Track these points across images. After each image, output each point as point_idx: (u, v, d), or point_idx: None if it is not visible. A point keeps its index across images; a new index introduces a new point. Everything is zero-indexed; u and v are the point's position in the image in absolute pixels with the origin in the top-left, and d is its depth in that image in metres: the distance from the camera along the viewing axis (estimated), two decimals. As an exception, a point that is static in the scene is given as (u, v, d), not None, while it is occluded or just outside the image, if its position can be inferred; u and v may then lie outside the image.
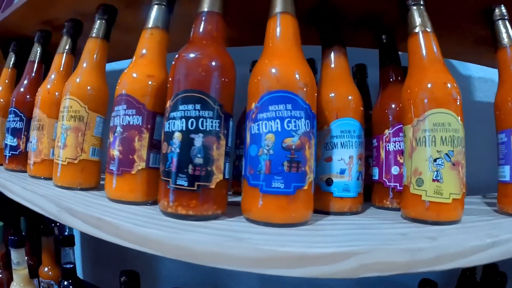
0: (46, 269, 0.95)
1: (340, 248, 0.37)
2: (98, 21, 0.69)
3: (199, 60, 0.49)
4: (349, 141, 0.55)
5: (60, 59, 0.75)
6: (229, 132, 0.50)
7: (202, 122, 0.47)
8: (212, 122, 0.47)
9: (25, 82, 0.84)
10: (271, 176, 0.45)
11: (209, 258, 0.37)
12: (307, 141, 0.46)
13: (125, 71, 0.59)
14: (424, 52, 0.54)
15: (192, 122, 0.47)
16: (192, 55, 0.50)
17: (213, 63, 0.49)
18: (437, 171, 0.49)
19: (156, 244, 0.39)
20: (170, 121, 0.49)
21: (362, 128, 0.58)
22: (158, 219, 0.46)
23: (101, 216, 0.45)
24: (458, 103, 0.51)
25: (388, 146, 0.62)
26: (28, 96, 0.80)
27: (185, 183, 0.46)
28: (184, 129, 0.47)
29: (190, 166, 0.47)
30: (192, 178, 0.46)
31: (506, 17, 0.63)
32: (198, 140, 0.47)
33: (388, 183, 0.62)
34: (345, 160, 0.55)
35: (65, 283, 0.88)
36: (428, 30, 0.55)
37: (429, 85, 0.51)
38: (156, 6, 0.61)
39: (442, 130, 0.49)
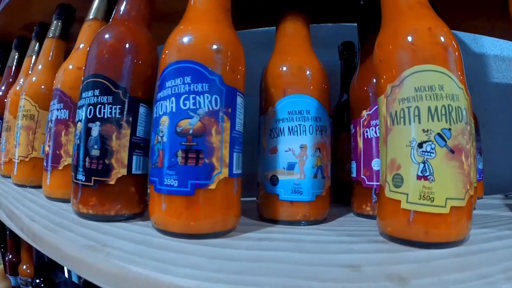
0: (24, 266, 0.90)
1: (201, 284, 0.22)
2: (55, 22, 0.63)
3: (104, 42, 0.39)
4: (300, 125, 0.37)
5: (29, 62, 0.71)
6: (138, 120, 0.38)
7: (100, 109, 0.36)
8: (111, 108, 0.36)
9: (3, 87, 0.82)
10: (163, 170, 0.31)
11: (74, 263, 0.29)
12: (214, 124, 0.31)
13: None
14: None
15: (90, 110, 0.37)
16: (99, 37, 0.39)
17: (118, 44, 0.38)
18: (424, 163, 0.29)
19: (39, 240, 0.34)
20: (78, 110, 0.39)
21: (323, 109, 0.39)
22: (63, 217, 0.38)
23: (14, 210, 0.42)
24: (453, 56, 0.31)
25: (367, 132, 0.41)
26: (5, 100, 0.77)
27: (83, 178, 0.36)
28: (83, 118, 0.37)
29: (87, 159, 0.36)
30: (88, 172, 0.36)
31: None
32: (95, 130, 0.36)
33: (367, 182, 0.42)
34: (294, 150, 0.37)
35: (37, 281, 0.85)
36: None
37: (406, 34, 0.32)
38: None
39: (431, 97, 0.30)
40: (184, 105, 0.31)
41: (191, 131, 0.30)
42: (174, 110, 0.31)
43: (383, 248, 0.29)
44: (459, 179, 0.29)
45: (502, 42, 0.88)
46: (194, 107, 0.31)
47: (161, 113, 0.32)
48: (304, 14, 0.44)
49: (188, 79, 0.31)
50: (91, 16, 0.51)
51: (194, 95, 0.31)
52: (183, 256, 0.26)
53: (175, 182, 0.30)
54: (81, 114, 0.37)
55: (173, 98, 0.31)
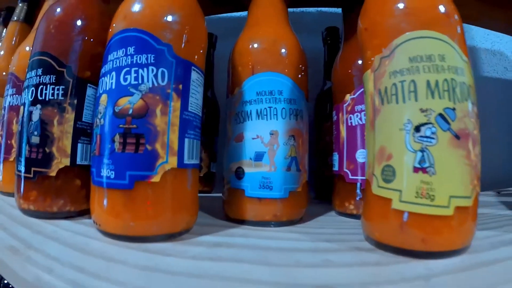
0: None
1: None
2: (20, 4, 0.52)
3: (51, 16, 0.30)
4: (270, 107, 0.28)
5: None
6: (85, 103, 0.29)
7: (42, 90, 0.28)
8: (54, 89, 0.28)
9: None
10: (100, 159, 0.23)
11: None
12: (159, 103, 0.23)
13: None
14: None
15: (32, 92, 0.28)
16: (48, 11, 0.31)
17: (65, 18, 0.30)
18: (422, 151, 0.20)
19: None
20: (22, 93, 0.31)
21: (299, 90, 0.30)
22: (5, 214, 0.30)
23: None
24: (456, 24, 0.23)
25: (350, 119, 0.32)
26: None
27: (23, 169, 0.28)
28: (25, 101, 0.29)
29: (27, 147, 0.28)
30: (28, 163, 0.28)
31: None
32: (36, 114, 0.28)
33: (351, 176, 0.33)
34: (263, 138, 0.28)
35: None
36: None
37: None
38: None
39: (430, 69, 0.21)
40: (125, 80, 0.23)
41: (130, 111, 0.22)
42: (113, 86, 0.23)
43: (368, 260, 0.21)
44: (466, 172, 0.20)
45: (493, 36, 0.79)
46: (136, 82, 0.22)
47: (101, 91, 0.24)
48: None
49: (131, 49, 0.23)
50: (52, -6, 0.43)
51: (136, 68, 0.23)
52: (111, 266, 0.19)
53: (112, 174, 0.22)
54: (24, 96, 0.29)
55: (113, 73, 0.23)
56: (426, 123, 0.20)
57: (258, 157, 0.28)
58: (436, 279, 0.18)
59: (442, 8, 0.22)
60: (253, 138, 0.28)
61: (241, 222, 0.29)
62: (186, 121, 0.23)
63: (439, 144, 0.20)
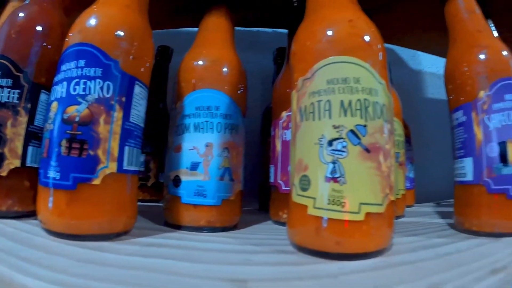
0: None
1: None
2: None
3: (13, 21, 0.33)
4: (207, 121, 0.31)
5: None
6: (38, 108, 0.32)
7: None
8: (9, 92, 0.30)
9: None
10: (48, 161, 0.25)
11: None
12: (103, 113, 0.26)
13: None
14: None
15: None
16: (11, 16, 0.34)
17: (27, 24, 0.33)
18: (334, 163, 0.23)
19: None
20: None
21: (236, 107, 0.33)
22: None
23: None
24: (374, 50, 0.26)
25: (285, 134, 0.35)
26: None
27: None
28: None
29: None
30: None
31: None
32: None
33: (284, 187, 0.36)
34: (199, 149, 0.31)
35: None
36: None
37: (324, 25, 0.27)
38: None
39: (344, 90, 0.24)
40: (74, 90, 0.25)
41: (77, 119, 0.25)
42: (64, 95, 0.26)
43: (286, 260, 0.23)
44: (377, 181, 0.23)
45: (439, 61, 0.87)
46: (84, 92, 0.25)
47: (52, 99, 0.27)
48: (227, 9, 0.38)
49: (82, 62, 0.26)
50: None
51: (85, 80, 0.25)
52: (51, 257, 0.21)
53: (58, 175, 0.24)
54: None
55: (64, 83, 0.26)
56: (338, 138, 0.23)
57: (194, 166, 0.31)
58: (344, 276, 0.20)
59: (363, 38, 0.25)
60: (190, 149, 0.31)
61: (178, 227, 0.31)
62: (127, 131, 0.26)
63: (350, 157, 0.23)
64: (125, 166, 0.26)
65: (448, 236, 0.32)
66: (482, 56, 0.33)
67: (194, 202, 0.30)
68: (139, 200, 0.48)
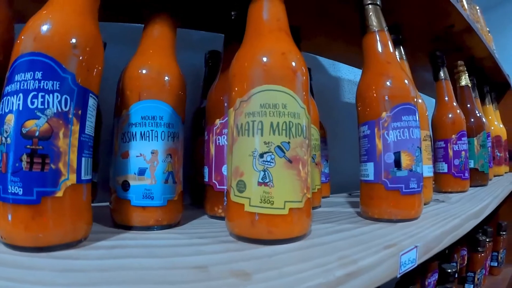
0: None
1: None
2: None
3: None
4: (152, 130, 0.37)
5: None
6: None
7: None
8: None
9: None
10: (7, 176, 0.27)
11: None
12: (62, 126, 0.29)
13: None
14: (264, 16, 0.37)
15: None
16: None
17: None
18: (264, 171, 0.31)
19: None
20: None
21: (177, 116, 0.39)
22: None
23: None
24: (300, 80, 0.34)
25: (218, 140, 0.44)
26: None
27: None
28: None
29: None
30: None
31: (377, 2, 0.50)
32: None
33: (219, 186, 0.44)
34: (145, 156, 0.37)
35: None
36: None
37: (261, 54, 0.34)
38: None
39: (274, 113, 0.32)
40: (32, 103, 0.28)
41: (37, 133, 0.27)
42: (21, 108, 0.28)
43: (230, 248, 0.31)
44: (297, 184, 0.32)
45: (356, 70, 1.04)
46: (42, 106, 0.28)
47: (7, 110, 0.28)
48: (173, 17, 0.43)
49: (39, 74, 0.28)
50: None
51: (43, 94, 0.28)
52: (32, 272, 0.24)
53: (20, 190, 0.27)
54: None
55: (21, 95, 0.28)
56: (267, 152, 0.31)
57: (141, 172, 0.36)
58: (276, 256, 0.28)
59: (292, 70, 0.33)
60: (137, 156, 0.36)
61: (129, 228, 0.36)
62: (83, 143, 0.30)
63: (276, 166, 0.31)
64: (83, 176, 0.30)
65: (355, 222, 0.43)
66: (388, 84, 0.44)
67: (143, 204, 0.36)
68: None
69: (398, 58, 0.56)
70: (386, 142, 0.43)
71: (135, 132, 0.36)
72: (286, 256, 0.28)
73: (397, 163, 0.42)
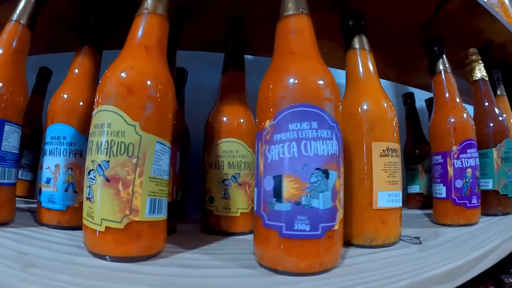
0: None
1: None
2: None
3: None
4: (56, 148, 0.44)
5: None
6: None
7: None
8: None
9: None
10: None
11: None
12: None
13: None
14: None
15: None
16: None
17: None
18: (89, 187, 0.33)
19: None
20: None
21: (80, 136, 0.44)
22: None
23: None
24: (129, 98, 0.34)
25: None
26: None
27: None
28: None
29: None
30: None
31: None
32: None
33: None
34: (51, 168, 0.44)
35: None
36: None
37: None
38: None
39: (100, 133, 0.33)
40: None
41: None
42: None
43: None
44: (115, 204, 0.32)
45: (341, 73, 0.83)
46: None
47: None
48: (94, 49, 0.50)
49: None
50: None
51: None
52: None
53: None
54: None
55: None
56: (92, 170, 0.33)
57: (48, 181, 0.43)
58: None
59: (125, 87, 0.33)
60: (46, 168, 0.44)
61: (41, 224, 0.44)
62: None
63: (97, 184, 0.32)
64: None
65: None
66: (287, 81, 0.33)
67: (47, 206, 0.43)
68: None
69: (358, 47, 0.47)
70: (267, 161, 0.33)
71: (46, 149, 0.45)
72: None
73: (277, 192, 0.31)
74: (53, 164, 0.44)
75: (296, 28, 0.36)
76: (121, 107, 0.33)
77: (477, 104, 0.69)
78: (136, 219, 0.32)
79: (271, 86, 0.34)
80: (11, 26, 0.43)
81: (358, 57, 0.47)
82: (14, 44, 0.43)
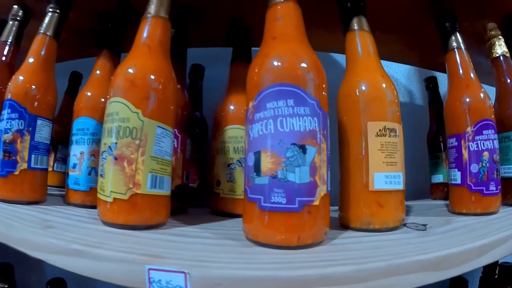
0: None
1: None
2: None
3: None
4: (81, 138, 0.52)
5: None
6: None
7: None
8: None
9: None
10: None
11: None
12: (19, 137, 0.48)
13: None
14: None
15: None
16: None
17: None
18: (102, 166, 0.39)
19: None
20: None
21: (101, 126, 0.49)
22: None
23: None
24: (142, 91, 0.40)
25: None
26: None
27: None
28: None
29: None
30: None
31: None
32: None
33: None
34: (77, 155, 0.52)
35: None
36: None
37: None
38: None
39: (110, 121, 0.40)
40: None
41: (7, 141, 0.48)
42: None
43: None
44: (120, 179, 0.38)
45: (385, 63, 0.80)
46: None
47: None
48: (111, 52, 0.58)
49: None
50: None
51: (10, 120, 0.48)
52: None
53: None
54: None
55: None
56: (104, 151, 0.39)
57: (74, 166, 0.51)
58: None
59: (129, 80, 0.39)
60: (73, 155, 0.52)
61: (69, 204, 0.51)
62: (33, 146, 0.48)
63: (107, 162, 0.38)
64: (32, 165, 0.48)
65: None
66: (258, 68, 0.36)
67: (74, 188, 0.51)
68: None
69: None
70: (249, 139, 0.35)
71: (73, 139, 0.53)
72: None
73: (257, 167, 0.33)
74: (79, 152, 0.51)
75: (281, 14, 0.38)
76: (126, 97, 0.39)
77: (499, 82, 0.63)
78: (138, 191, 0.38)
79: (254, 70, 0.37)
80: (39, 38, 0.52)
81: (357, 38, 0.46)
82: (42, 53, 0.51)
